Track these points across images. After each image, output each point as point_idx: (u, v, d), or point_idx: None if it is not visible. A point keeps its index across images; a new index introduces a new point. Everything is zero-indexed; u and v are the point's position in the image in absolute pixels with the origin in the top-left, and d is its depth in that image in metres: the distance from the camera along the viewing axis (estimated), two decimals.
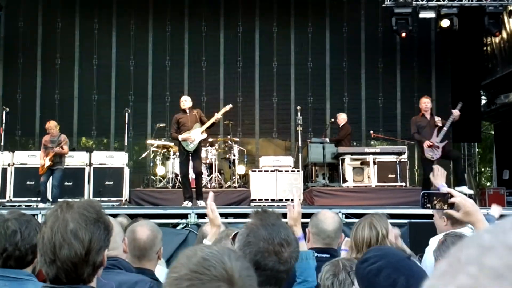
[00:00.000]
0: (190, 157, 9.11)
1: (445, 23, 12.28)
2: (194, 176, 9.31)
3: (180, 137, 8.89)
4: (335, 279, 2.29)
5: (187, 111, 9.08)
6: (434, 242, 3.29)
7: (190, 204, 8.93)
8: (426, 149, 8.82)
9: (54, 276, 1.67)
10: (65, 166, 9.93)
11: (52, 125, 9.82)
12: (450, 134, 8.89)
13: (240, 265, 1.14)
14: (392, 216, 7.47)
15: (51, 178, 9.62)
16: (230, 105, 9.60)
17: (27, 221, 2.37)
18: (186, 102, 9.19)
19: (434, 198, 2.21)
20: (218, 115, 9.27)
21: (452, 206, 2.16)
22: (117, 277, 2.34)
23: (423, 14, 12.27)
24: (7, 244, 2.31)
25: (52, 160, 9.54)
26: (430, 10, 12.21)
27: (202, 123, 9.08)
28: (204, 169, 11.15)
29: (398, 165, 10.95)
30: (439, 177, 2.64)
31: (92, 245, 1.67)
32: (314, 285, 2.76)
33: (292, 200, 3.07)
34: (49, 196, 9.78)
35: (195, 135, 8.88)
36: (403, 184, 10.92)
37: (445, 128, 8.79)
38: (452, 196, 2.16)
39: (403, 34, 12.41)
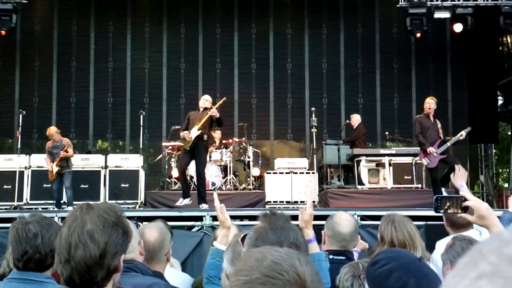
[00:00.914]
0: (192, 156, 8.98)
1: (457, 27, 12.24)
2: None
3: (181, 134, 8.80)
4: (355, 280, 2.27)
5: (201, 109, 8.89)
6: (440, 245, 3.25)
7: (185, 202, 8.89)
8: (423, 155, 8.85)
9: (68, 276, 1.67)
10: (75, 169, 10.06)
11: (53, 131, 9.82)
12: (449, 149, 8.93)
13: (311, 269, 1.12)
14: (409, 218, 7.43)
15: (62, 182, 9.72)
16: (224, 98, 9.39)
17: (48, 224, 2.39)
18: (206, 102, 8.93)
19: (448, 202, 2.18)
20: (213, 110, 8.83)
21: (466, 209, 2.14)
22: (131, 280, 2.34)
23: (438, 14, 12.19)
24: (27, 247, 2.32)
25: (59, 165, 9.63)
26: (445, 10, 12.13)
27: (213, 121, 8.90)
28: (218, 172, 11.17)
29: (414, 167, 10.87)
30: (459, 177, 2.61)
31: (107, 248, 1.66)
32: (328, 287, 2.74)
33: (305, 202, 3.05)
34: (64, 198, 9.85)
35: (192, 132, 8.71)
36: (419, 185, 10.85)
37: (448, 144, 8.79)
38: (466, 199, 2.13)
39: (418, 35, 12.35)
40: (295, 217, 3.06)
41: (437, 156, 8.71)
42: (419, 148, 9.27)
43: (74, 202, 9.69)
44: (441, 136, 8.83)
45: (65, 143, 9.78)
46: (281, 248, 1.19)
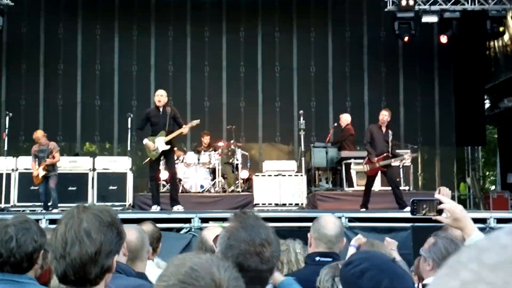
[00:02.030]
0: (161, 159, 8.97)
1: (443, 39, 12.49)
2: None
3: (144, 141, 8.72)
4: (334, 282, 2.28)
5: (161, 108, 8.73)
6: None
7: (158, 208, 8.88)
8: (366, 162, 9.31)
9: (63, 272, 1.69)
10: (63, 171, 10.10)
11: (39, 135, 9.80)
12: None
13: (228, 275, 1.13)
14: (395, 220, 7.51)
15: (48, 184, 9.70)
16: (198, 121, 9.37)
17: (26, 229, 2.37)
18: (162, 97, 8.72)
19: (424, 205, 2.23)
20: (185, 130, 8.92)
21: (441, 212, 2.18)
22: (117, 282, 2.34)
23: (425, 19, 12.28)
24: (2, 250, 2.32)
25: (45, 170, 9.62)
26: (432, 15, 12.23)
27: (176, 122, 8.81)
28: (207, 174, 11.17)
29: (401, 169, 10.93)
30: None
31: (103, 246, 1.69)
32: None
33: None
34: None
35: (159, 143, 8.63)
36: (407, 188, 10.91)
37: (392, 160, 9.21)
38: (441, 202, 2.18)
39: (406, 39, 12.43)
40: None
41: (378, 167, 9.15)
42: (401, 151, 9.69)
43: (62, 205, 9.66)
44: (389, 150, 9.18)
45: (52, 147, 9.76)
46: (205, 255, 1.20)
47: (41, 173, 9.62)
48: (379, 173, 9.52)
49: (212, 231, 3.47)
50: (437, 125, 14.04)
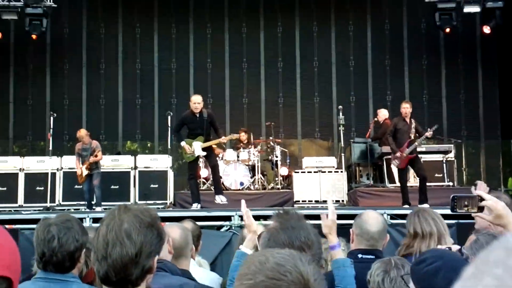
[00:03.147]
0: (201, 159, 9.03)
1: (486, 29, 12.19)
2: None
3: (181, 143, 8.79)
4: (386, 275, 2.28)
5: (197, 114, 8.74)
6: None
7: (199, 206, 8.92)
8: (393, 158, 9.32)
9: (105, 273, 1.72)
10: (105, 170, 10.31)
11: (83, 134, 10.02)
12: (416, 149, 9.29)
13: (313, 269, 1.14)
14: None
15: (91, 183, 9.93)
16: (237, 135, 9.56)
17: (68, 228, 2.41)
18: (199, 104, 8.65)
19: (464, 201, 2.17)
20: (224, 140, 9.11)
21: (482, 209, 2.12)
22: (162, 280, 2.36)
23: (467, 9, 11.98)
24: (45, 249, 2.37)
25: (89, 169, 9.83)
26: (474, 4, 11.92)
27: (213, 127, 8.88)
28: (246, 171, 11.18)
29: (444, 164, 10.72)
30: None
31: (143, 247, 1.71)
32: None
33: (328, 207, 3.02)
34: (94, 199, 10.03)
35: (196, 147, 8.68)
36: (450, 183, 10.69)
37: (416, 143, 9.14)
38: (482, 199, 2.12)
39: (447, 30, 12.17)
40: (318, 217, 3.06)
41: (405, 156, 9.07)
42: (444, 145, 9.83)
43: (105, 203, 9.84)
44: (411, 136, 9.14)
45: (95, 146, 9.95)
46: (283, 249, 1.20)
47: (85, 172, 9.83)
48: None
49: None
50: (481, 118, 13.71)
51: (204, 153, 8.73)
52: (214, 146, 9.43)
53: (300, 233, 1.90)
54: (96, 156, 9.85)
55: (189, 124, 8.83)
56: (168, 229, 2.94)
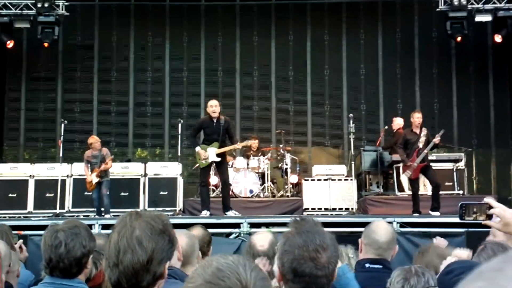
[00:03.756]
0: (212, 166, 9.01)
1: (498, 38, 12.15)
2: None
3: (196, 148, 8.81)
4: (406, 283, 2.27)
5: (215, 119, 8.78)
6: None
7: (208, 213, 8.90)
8: (404, 169, 9.31)
9: (116, 280, 1.72)
10: (115, 177, 10.33)
11: (95, 140, 10.00)
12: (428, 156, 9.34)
13: (255, 275, 1.14)
14: (449, 225, 7.31)
15: (101, 190, 9.93)
16: (252, 141, 9.68)
17: (75, 234, 2.41)
18: (216, 108, 8.73)
19: (473, 209, 2.15)
20: (239, 146, 9.16)
21: (491, 217, 2.11)
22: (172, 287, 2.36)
23: (479, 18, 11.95)
24: (52, 255, 2.37)
25: (98, 176, 9.83)
26: (486, 14, 11.88)
27: (228, 133, 8.88)
28: (256, 179, 11.17)
29: (455, 173, 10.65)
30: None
31: (154, 254, 1.71)
32: None
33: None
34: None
35: (210, 153, 8.70)
36: (461, 192, 10.62)
37: (425, 151, 9.07)
38: (491, 207, 2.11)
39: (458, 39, 12.13)
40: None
41: (416, 166, 9.02)
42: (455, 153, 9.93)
43: (114, 210, 9.85)
44: (419, 145, 9.09)
45: (105, 154, 9.95)
46: (233, 256, 1.20)
47: (94, 179, 9.83)
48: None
49: (261, 235, 3.47)
50: (492, 126, 13.62)
51: (218, 159, 8.73)
52: (227, 156, 9.44)
53: (315, 237, 1.92)
54: (107, 164, 9.86)
55: (206, 129, 8.85)
56: None
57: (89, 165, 9.96)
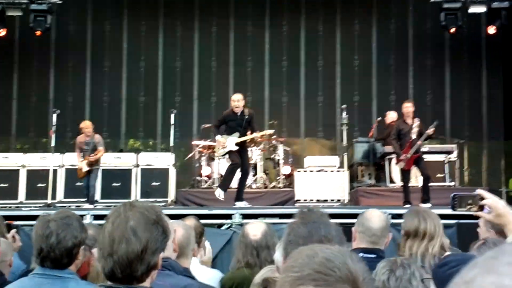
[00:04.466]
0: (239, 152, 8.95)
1: (491, 30, 12.16)
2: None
3: (217, 137, 8.82)
4: (392, 274, 2.28)
5: (238, 112, 8.83)
6: None
7: (222, 195, 8.87)
8: (397, 160, 9.26)
9: (110, 270, 1.73)
10: (107, 167, 10.27)
11: (88, 125, 9.83)
12: (422, 148, 9.32)
13: (362, 267, 1.12)
14: (440, 216, 7.30)
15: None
16: (272, 131, 9.62)
17: (67, 224, 2.39)
18: (239, 102, 8.79)
19: (465, 200, 2.16)
20: (258, 135, 9.20)
21: (482, 208, 2.11)
22: (167, 280, 2.35)
23: (473, 9, 11.96)
24: (43, 245, 2.35)
25: (89, 165, 9.68)
26: (480, 5, 11.90)
27: (250, 125, 8.89)
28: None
29: (446, 165, 10.69)
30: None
31: (149, 244, 1.73)
32: None
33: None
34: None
35: (229, 142, 8.70)
36: (452, 183, 10.66)
37: (419, 142, 9.04)
38: (483, 198, 2.11)
39: (452, 30, 12.13)
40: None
41: (410, 157, 9.01)
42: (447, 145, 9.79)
43: (106, 200, 9.82)
44: (412, 136, 9.05)
45: (97, 141, 9.80)
46: (332, 246, 1.18)
47: (85, 168, 9.68)
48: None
49: (254, 226, 3.47)
50: (484, 119, 13.67)
51: (236, 148, 8.76)
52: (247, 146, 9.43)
53: (320, 228, 1.91)
54: (97, 153, 9.69)
55: (229, 122, 8.87)
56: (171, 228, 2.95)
57: (80, 152, 9.78)
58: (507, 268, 0.52)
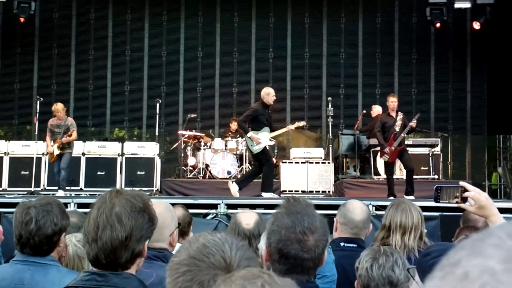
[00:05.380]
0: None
1: (476, 25, 12.24)
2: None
3: (249, 134, 8.65)
4: (375, 262, 2.31)
5: (269, 108, 8.81)
6: None
7: (273, 195, 8.80)
8: (381, 153, 9.30)
9: (94, 256, 1.73)
10: (92, 156, 10.16)
11: (59, 108, 9.36)
12: (405, 141, 9.37)
13: (240, 254, 1.12)
14: (424, 208, 7.38)
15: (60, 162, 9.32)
16: (303, 123, 9.56)
17: (47, 211, 2.35)
18: (274, 97, 8.78)
19: (448, 192, 2.18)
20: (291, 127, 9.30)
21: (465, 200, 2.13)
22: (159, 271, 2.31)
23: (458, 4, 12.04)
24: (22, 232, 2.31)
25: (60, 148, 9.26)
26: (465, 0, 11.97)
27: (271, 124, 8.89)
28: (234, 160, 11.18)
29: (431, 158, 10.77)
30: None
31: (133, 231, 1.72)
32: (334, 279, 2.74)
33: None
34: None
35: (263, 138, 8.67)
36: (436, 176, 10.75)
37: (402, 135, 9.12)
38: (465, 190, 2.13)
39: (438, 25, 12.21)
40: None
41: (394, 150, 9.07)
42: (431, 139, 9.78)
43: (91, 189, 9.74)
44: (396, 129, 9.11)
45: (69, 124, 9.39)
46: (221, 234, 1.19)
47: (56, 151, 9.27)
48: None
49: (247, 214, 3.47)
50: (468, 113, 13.80)
51: (272, 142, 8.78)
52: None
53: (303, 219, 1.88)
54: (70, 135, 9.26)
55: (260, 117, 8.69)
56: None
57: (51, 135, 9.37)
58: (493, 250, 0.53)
